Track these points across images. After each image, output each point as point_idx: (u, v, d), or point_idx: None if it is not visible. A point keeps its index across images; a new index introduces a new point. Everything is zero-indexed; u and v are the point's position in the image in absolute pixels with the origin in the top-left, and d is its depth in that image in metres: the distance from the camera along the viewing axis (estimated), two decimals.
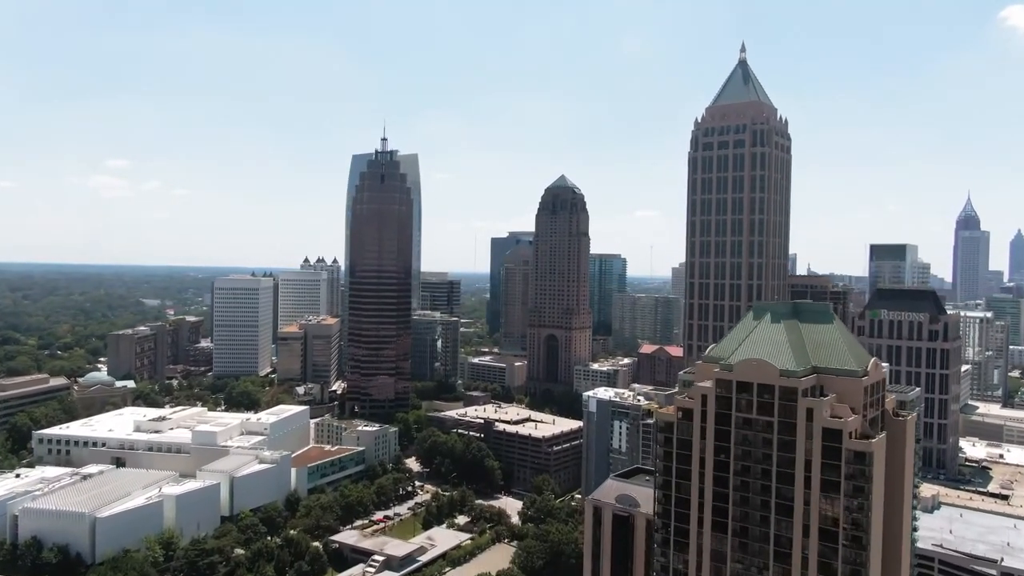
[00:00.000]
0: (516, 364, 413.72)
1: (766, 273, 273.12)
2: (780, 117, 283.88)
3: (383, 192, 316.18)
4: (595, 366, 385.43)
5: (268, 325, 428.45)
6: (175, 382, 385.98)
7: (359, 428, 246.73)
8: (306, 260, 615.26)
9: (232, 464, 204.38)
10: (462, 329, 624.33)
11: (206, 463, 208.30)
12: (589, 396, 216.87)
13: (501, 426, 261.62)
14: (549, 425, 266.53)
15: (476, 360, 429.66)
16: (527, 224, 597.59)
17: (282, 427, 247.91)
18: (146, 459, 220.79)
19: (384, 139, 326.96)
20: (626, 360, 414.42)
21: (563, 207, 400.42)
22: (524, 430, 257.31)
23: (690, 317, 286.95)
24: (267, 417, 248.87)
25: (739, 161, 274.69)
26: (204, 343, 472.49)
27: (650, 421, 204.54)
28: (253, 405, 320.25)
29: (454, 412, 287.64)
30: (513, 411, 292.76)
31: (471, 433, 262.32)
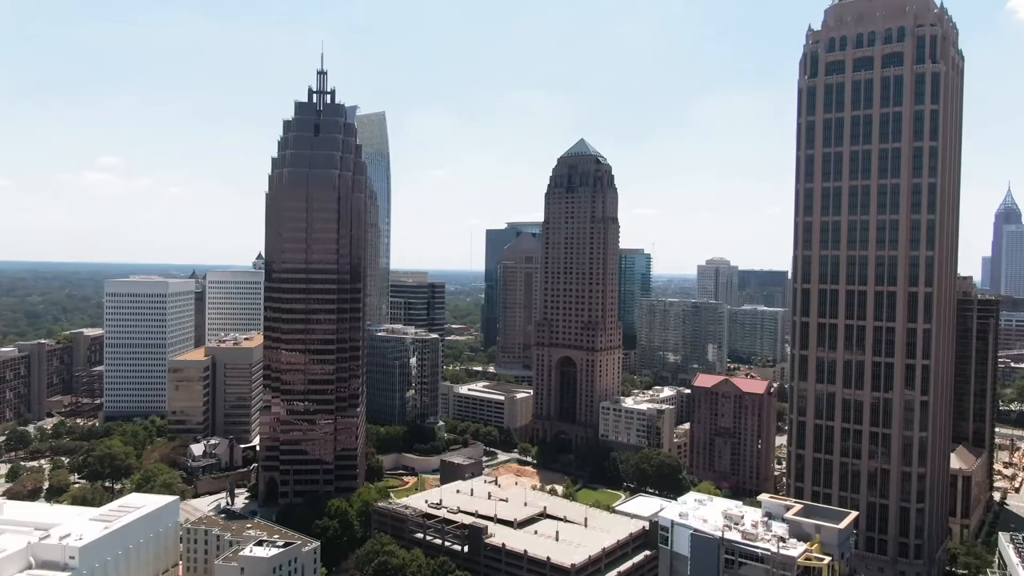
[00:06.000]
0: (518, 397, 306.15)
1: (938, 275, 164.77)
2: (949, 19, 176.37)
3: (316, 150, 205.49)
4: (628, 402, 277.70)
5: (186, 344, 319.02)
6: (38, 428, 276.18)
7: (244, 554, 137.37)
8: (259, 255, 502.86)
9: None
10: (453, 337, 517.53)
11: None
12: (674, 522, 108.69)
13: (498, 535, 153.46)
14: (578, 529, 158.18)
15: (465, 390, 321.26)
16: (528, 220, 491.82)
17: (110, 547, 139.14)
18: None
19: (322, 72, 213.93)
20: (667, 391, 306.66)
21: (584, 182, 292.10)
22: (537, 545, 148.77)
23: (803, 345, 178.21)
24: (82, 530, 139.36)
25: (894, 89, 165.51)
26: None
27: None
28: (121, 474, 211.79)
29: (424, 499, 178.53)
30: (517, 495, 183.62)
31: (447, 544, 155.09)
